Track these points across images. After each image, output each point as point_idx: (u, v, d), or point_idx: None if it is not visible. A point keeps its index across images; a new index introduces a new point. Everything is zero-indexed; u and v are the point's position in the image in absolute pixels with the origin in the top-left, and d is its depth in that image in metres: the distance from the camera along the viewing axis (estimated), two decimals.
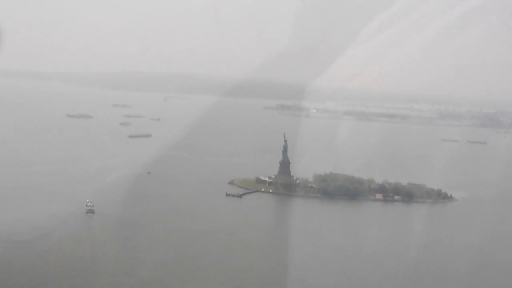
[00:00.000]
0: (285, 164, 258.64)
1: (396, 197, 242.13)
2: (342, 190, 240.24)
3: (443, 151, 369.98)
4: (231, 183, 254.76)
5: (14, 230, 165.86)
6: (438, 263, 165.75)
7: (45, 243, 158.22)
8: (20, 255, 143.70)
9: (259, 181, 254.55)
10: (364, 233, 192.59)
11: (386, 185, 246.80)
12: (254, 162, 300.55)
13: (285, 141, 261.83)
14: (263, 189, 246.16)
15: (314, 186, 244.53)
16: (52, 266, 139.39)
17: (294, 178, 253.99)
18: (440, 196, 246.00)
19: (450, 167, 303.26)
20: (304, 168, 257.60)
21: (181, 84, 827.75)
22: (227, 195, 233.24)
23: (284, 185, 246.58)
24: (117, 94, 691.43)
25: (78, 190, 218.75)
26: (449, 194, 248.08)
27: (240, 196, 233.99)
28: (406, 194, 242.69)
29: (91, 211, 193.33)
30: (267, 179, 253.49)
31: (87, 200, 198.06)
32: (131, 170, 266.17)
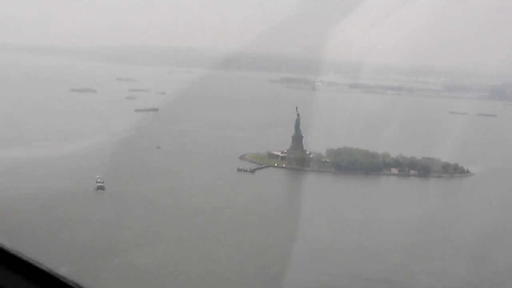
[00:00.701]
0: (298, 139, 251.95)
1: (412, 171, 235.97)
2: (357, 165, 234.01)
3: (454, 124, 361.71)
4: (242, 158, 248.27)
5: (20, 207, 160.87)
6: (460, 239, 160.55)
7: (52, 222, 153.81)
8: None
9: (271, 155, 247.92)
10: (382, 209, 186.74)
11: (401, 160, 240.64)
12: (264, 136, 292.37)
13: (298, 115, 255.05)
14: (276, 164, 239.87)
15: (328, 160, 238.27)
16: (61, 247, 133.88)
17: (307, 152, 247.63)
18: (457, 171, 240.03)
19: (462, 140, 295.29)
20: (316, 142, 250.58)
21: (184, 57, 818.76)
22: (239, 170, 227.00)
23: (298, 160, 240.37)
24: (120, 68, 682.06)
25: (86, 166, 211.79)
26: (465, 168, 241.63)
27: (253, 171, 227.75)
28: (422, 169, 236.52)
29: (101, 188, 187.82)
30: (279, 153, 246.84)
31: (97, 176, 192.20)
32: (140, 145, 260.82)
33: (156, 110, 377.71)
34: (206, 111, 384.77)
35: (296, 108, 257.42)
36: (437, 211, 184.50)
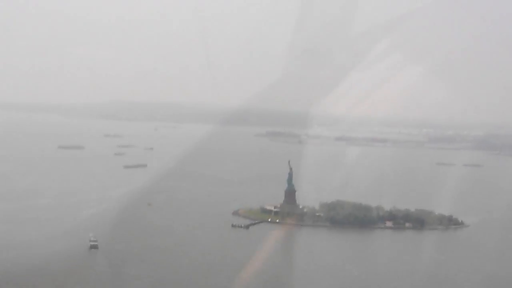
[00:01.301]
0: (290, 193, 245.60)
1: (407, 224, 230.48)
2: (351, 218, 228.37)
3: (443, 175, 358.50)
4: (235, 213, 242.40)
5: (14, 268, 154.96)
6: None
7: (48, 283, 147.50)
8: None
9: (264, 210, 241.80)
10: (380, 263, 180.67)
11: (396, 212, 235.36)
12: (254, 191, 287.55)
13: (290, 169, 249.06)
14: (269, 219, 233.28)
15: (321, 215, 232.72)
16: None
17: (301, 206, 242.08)
18: (451, 222, 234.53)
19: (453, 191, 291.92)
20: (307, 196, 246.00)
21: (171, 113, 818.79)
22: (233, 226, 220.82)
23: (291, 215, 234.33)
24: (108, 124, 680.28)
25: (78, 224, 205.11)
26: (460, 220, 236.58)
27: (247, 227, 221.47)
28: (416, 221, 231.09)
29: (95, 247, 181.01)
30: (272, 208, 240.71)
31: (90, 235, 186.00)
32: (131, 202, 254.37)
33: (145, 166, 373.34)
34: (194, 166, 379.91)
35: (289, 162, 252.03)
36: (435, 264, 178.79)
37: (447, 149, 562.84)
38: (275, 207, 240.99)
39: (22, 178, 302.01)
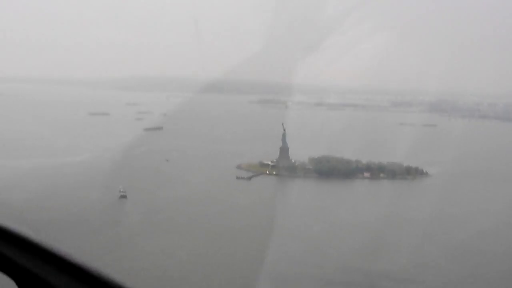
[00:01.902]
0: (284, 150, 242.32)
1: (381, 175, 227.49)
2: (335, 171, 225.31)
3: (405, 134, 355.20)
4: (239, 167, 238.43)
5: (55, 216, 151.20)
6: (435, 231, 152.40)
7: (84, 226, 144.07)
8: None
9: (262, 165, 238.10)
10: (365, 207, 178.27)
11: (372, 165, 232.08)
12: (253, 148, 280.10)
13: (284, 129, 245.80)
14: (267, 172, 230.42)
15: (310, 167, 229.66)
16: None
17: (293, 161, 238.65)
18: (418, 173, 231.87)
19: (416, 147, 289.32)
20: (296, 152, 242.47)
21: (179, 85, 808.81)
22: (238, 178, 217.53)
23: (286, 168, 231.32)
24: (128, 95, 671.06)
25: (108, 177, 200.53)
26: (424, 170, 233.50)
27: (249, 178, 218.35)
28: (389, 172, 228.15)
29: (124, 196, 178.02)
30: (269, 163, 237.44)
31: (120, 187, 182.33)
32: (152, 158, 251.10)
33: (161, 128, 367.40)
34: (202, 128, 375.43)
35: (282, 124, 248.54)
36: (410, 208, 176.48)
37: (406, 112, 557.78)
38: (271, 162, 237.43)
39: (59, 139, 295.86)
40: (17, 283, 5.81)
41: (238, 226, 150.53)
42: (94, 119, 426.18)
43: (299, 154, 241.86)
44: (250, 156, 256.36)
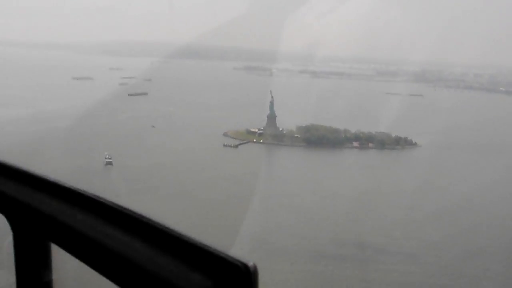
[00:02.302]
0: (272, 118, 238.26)
1: (370, 144, 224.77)
2: (324, 140, 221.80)
3: (392, 103, 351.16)
4: (225, 134, 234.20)
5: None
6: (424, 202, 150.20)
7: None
8: None
9: (249, 132, 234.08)
10: (353, 177, 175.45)
11: (360, 135, 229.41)
12: (239, 115, 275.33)
13: (272, 97, 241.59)
14: (254, 140, 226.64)
15: (298, 136, 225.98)
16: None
17: (280, 129, 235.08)
18: (407, 143, 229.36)
19: (403, 116, 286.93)
20: (282, 120, 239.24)
21: (164, 50, 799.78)
22: (225, 145, 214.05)
23: (273, 136, 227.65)
24: (112, 60, 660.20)
25: (93, 144, 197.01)
26: (413, 141, 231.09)
27: (236, 146, 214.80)
28: (378, 142, 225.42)
29: (110, 163, 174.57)
30: (256, 130, 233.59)
31: (105, 153, 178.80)
32: (137, 125, 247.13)
33: (146, 94, 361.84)
34: (187, 95, 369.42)
35: (270, 91, 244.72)
36: (402, 176, 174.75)
37: (392, 82, 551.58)
38: (258, 130, 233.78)
39: (45, 103, 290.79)
40: (6, 216, 5.28)
41: (225, 195, 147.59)
42: (79, 83, 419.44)
43: (286, 122, 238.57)
44: (236, 123, 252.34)
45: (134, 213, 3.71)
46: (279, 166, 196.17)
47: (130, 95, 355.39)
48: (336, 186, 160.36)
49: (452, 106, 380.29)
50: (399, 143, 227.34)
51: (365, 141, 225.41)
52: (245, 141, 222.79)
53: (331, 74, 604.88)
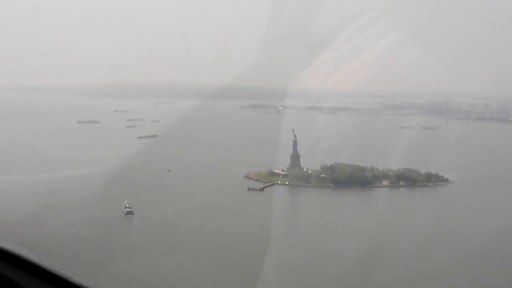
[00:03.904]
0: (295, 157, 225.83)
1: (401, 182, 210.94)
2: (352, 179, 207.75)
3: (408, 137, 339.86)
4: (247, 177, 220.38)
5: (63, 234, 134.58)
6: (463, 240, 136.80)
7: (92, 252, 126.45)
8: None
9: (272, 174, 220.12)
10: (392, 219, 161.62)
11: (389, 172, 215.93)
12: (254, 156, 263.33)
13: (295, 136, 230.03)
14: (279, 182, 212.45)
15: (325, 176, 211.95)
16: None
17: (305, 169, 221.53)
18: (439, 179, 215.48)
19: (425, 151, 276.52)
20: (303, 160, 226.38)
21: (166, 91, 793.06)
22: (249, 189, 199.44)
23: (298, 177, 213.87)
24: (114, 102, 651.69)
25: (109, 191, 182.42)
26: (445, 177, 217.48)
27: (262, 189, 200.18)
28: (409, 179, 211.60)
29: (130, 212, 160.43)
30: (280, 171, 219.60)
31: (125, 202, 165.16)
32: (152, 169, 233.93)
33: (156, 136, 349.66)
34: (197, 135, 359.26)
35: (293, 130, 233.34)
36: (443, 218, 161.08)
37: (400, 115, 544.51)
38: (282, 171, 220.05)
39: (51, 150, 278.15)
40: None
41: (262, 247, 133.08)
42: (84, 127, 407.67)
43: (307, 161, 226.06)
44: (254, 164, 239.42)
45: None
46: (310, 209, 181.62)
47: (139, 137, 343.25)
48: (377, 232, 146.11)
49: (471, 138, 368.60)
50: (431, 180, 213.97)
51: (394, 179, 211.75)
52: (269, 184, 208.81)
53: (337, 110, 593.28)
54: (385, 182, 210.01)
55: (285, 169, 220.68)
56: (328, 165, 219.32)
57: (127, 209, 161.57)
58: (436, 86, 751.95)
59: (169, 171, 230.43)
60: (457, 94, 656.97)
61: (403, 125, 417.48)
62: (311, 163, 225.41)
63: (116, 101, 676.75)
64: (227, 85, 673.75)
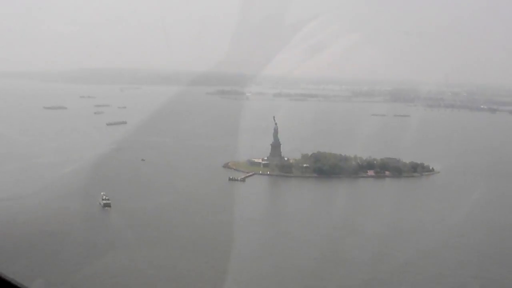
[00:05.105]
0: (276, 146, 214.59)
1: (386, 172, 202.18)
2: (337, 169, 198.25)
3: (383, 125, 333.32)
4: (226, 166, 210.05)
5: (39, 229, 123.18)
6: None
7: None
8: None
9: (252, 163, 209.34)
10: (385, 212, 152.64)
11: (374, 162, 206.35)
12: (229, 144, 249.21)
13: (276, 124, 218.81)
14: (260, 172, 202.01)
15: (308, 166, 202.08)
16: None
17: (285, 158, 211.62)
18: (424, 170, 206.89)
19: (404, 139, 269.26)
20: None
21: (132, 76, 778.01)
22: (230, 179, 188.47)
23: (280, 167, 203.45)
24: (79, 88, 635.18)
25: (82, 182, 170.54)
26: (430, 167, 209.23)
27: (243, 180, 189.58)
28: (394, 170, 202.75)
29: (108, 205, 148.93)
30: (260, 161, 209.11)
31: (102, 193, 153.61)
32: (125, 158, 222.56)
33: (125, 123, 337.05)
34: (167, 122, 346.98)
35: (274, 118, 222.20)
36: (437, 209, 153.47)
37: (370, 102, 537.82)
38: (263, 160, 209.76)
39: (19, 138, 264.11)
40: None
41: (250, 244, 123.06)
42: (51, 113, 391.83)
43: (285, 149, 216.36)
44: (230, 152, 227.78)
45: None
46: (297, 201, 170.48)
47: (108, 124, 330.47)
48: (371, 225, 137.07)
49: (445, 127, 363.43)
50: (416, 170, 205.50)
51: (379, 169, 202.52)
52: (250, 173, 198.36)
53: (306, 96, 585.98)
54: (370, 172, 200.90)
55: (266, 158, 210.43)
56: (310, 154, 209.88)
57: (105, 201, 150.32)
58: (399, 74, 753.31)
59: (143, 160, 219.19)
60: (419, 82, 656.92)
61: (376, 113, 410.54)
62: (289, 151, 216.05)
63: (81, 87, 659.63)
64: (192, 71, 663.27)
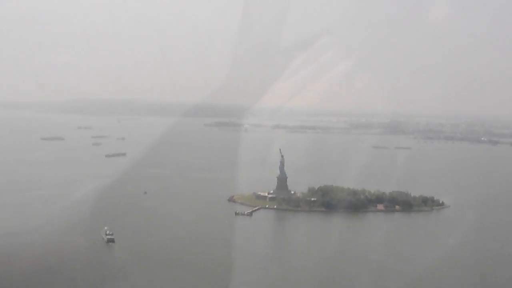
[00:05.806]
0: (282, 179, 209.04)
1: (396, 207, 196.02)
2: (345, 203, 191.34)
3: (386, 157, 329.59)
4: (231, 200, 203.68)
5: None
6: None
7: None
8: None
9: (258, 197, 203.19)
10: (399, 248, 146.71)
11: (382, 196, 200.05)
12: (232, 177, 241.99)
13: (282, 156, 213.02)
14: (266, 206, 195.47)
15: (316, 200, 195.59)
16: None
17: (292, 192, 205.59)
18: (434, 203, 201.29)
19: (409, 172, 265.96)
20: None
21: (128, 107, 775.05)
22: (236, 214, 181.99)
23: (287, 201, 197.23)
24: (76, 118, 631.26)
25: (85, 216, 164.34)
26: (440, 201, 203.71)
27: (250, 214, 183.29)
28: (404, 204, 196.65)
29: (112, 240, 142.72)
30: (266, 194, 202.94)
31: (105, 228, 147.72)
32: (127, 191, 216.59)
33: (124, 154, 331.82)
34: (168, 154, 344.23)
35: (280, 150, 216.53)
36: (451, 244, 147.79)
37: (369, 134, 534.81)
38: (268, 193, 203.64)
39: (17, 169, 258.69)
40: None
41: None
42: (49, 144, 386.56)
43: (289, 182, 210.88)
44: (234, 185, 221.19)
45: None
46: (308, 238, 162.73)
47: (107, 156, 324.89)
48: (391, 264, 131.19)
49: (448, 159, 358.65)
50: (426, 203, 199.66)
51: (389, 203, 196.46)
52: (257, 208, 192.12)
53: (304, 128, 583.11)
54: (380, 207, 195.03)
55: (272, 191, 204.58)
56: (316, 188, 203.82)
57: (108, 237, 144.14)
58: (396, 106, 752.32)
59: (145, 193, 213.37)
60: (415, 114, 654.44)
61: (377, 145, 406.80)
62: (295, 184, 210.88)
63: (78, 117, 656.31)
64: (187, 102, 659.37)
